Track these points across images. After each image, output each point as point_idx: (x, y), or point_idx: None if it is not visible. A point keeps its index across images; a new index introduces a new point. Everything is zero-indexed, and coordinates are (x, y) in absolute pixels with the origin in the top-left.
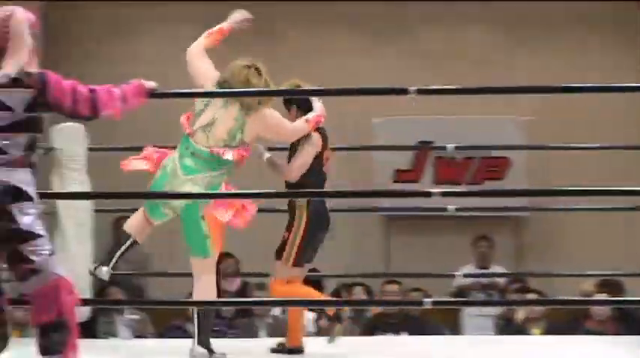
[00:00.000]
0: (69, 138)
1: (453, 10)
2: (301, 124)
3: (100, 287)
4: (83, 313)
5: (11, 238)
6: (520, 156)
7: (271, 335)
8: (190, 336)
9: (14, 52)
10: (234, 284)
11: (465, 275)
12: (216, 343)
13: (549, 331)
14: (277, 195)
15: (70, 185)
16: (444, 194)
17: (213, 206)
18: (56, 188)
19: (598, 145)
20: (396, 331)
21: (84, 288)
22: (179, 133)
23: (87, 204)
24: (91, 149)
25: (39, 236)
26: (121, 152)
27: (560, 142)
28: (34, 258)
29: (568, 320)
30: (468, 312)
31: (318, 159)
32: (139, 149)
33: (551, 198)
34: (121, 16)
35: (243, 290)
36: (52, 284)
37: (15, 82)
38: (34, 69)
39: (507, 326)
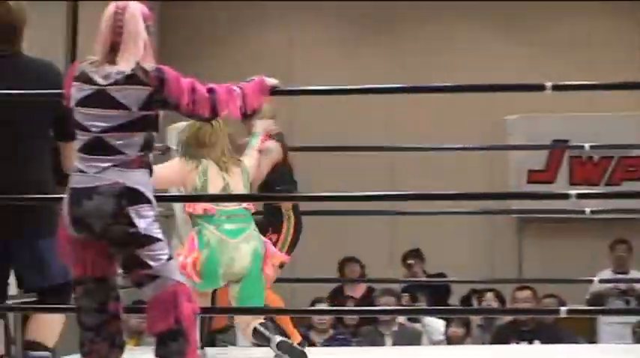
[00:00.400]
0: None
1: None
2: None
3: None
4: None
5: (128, 242)
6: None
7: (396, 343)
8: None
9: (128, 47)
10: (359, 290)
11: (601, 281)
12: (340, 351)
13: None
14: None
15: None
16: (581, 196)
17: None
18: (173, 190)
19: None
20: (529, 339)
21: None
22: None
23: None
24: None
25: (157, 240)
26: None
27: None
28: (151, 263)
29: None
30: (604, 320)
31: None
32: None
33: None
34: (235, 16)
35: (367, 297)
36: (171, 290)
37: (130, 79)
38: (150, 65)
39: None
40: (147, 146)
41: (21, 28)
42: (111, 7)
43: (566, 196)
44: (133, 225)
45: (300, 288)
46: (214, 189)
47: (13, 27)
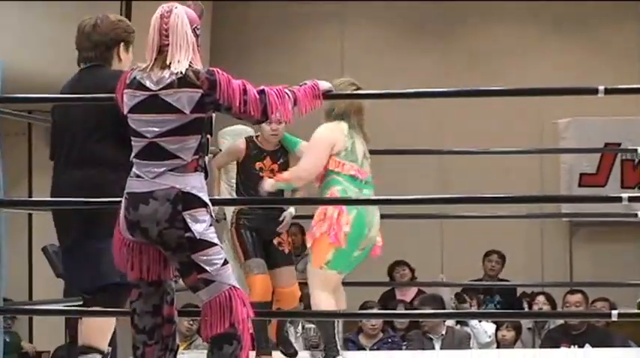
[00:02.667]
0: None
1: None
2: None
3: None
4: None
5: (184, 247)
6: None
7: (445, 347)
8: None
9: (176, 51)
10: (410, 293)
11: None
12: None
13: None
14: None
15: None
16: (632, 199)
17: None
18: (224, 194)
19: None
20: (580, 343)
21: None
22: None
23: None
24: None
25: (213, 244)
26: None
27: None
28: (207, 267)
29: None
30: None
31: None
32: None
33: None
34: (288, 16)
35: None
36: (226, 294)
37: (181, 82)
38: (200, 67)
39: None
40: (201, 149)
41: (115, 42)
42: (157, 12)
43: (617, 199)
44: (188, 229)
45: (350, 292)
46: (359, 152)
47: (104, 41)
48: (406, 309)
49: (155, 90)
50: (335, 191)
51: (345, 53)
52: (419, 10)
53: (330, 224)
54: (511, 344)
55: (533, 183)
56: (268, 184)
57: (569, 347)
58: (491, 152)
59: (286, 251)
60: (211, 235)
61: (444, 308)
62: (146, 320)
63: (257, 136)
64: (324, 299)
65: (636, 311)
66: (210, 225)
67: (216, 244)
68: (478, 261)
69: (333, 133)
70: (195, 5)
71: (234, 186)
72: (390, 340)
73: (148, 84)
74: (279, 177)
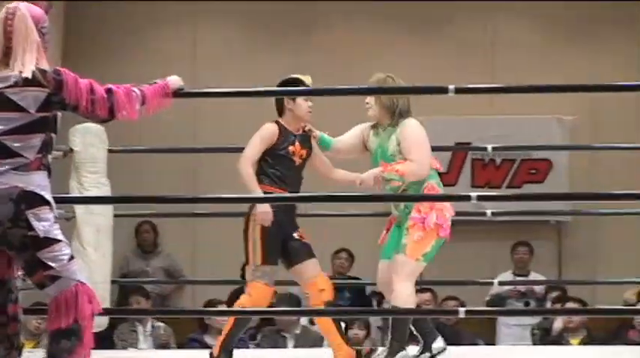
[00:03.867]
0: (88, 140)
1: (493, 6)
2: None
3: (124, 295)
4: (101, 322)
5: (28, 245)
6: (562, 157)
7: (298, 345)
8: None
9: (20, 51)
10: None
11: (501, 283)
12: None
13: (589, 342)
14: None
15: (89, 189)
16: (482, 198)
17: None
18: (74, 192)
19: None
20: None
21: (103, 297)
22: (204, 133)
23: (107, 209)
24: (111, 151)
25: (57, 241)
26: (144, 154)
27: (605, 143)
28: (52, 264)
29: (609, 330)
30: (504, 321)
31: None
32: (162, 151)
33: (594, 202)
34: (142, 14)
35: None
36: (72, 290)
37: (27, 81)
38: (46, 66)
39: (545, 337)
40: (45, 148)
41: None
42: (2, 13)
43: (467, 198)
44: (31, 228)
45: (199, 289)
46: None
47: None
48: None
49: (1, 89)
50: (434, 184)
51: (198, 53)
52: (273, 9)
53: (438, 215)
54: (361, 343)
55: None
56: (372, 175)
57: (418, 345)
58: None
59: (308, 243)
60: (56, 232)
61: (299, 307)
62: None
63: (277, 121)
64: (410, 292)
65: (484, 308)
66: (55, 223)
67: (61, 241)
68: (327, 259)
69: (423, 129)
70: (42, 2)
71: (84, 185)
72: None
73: None
74: (390, 168)
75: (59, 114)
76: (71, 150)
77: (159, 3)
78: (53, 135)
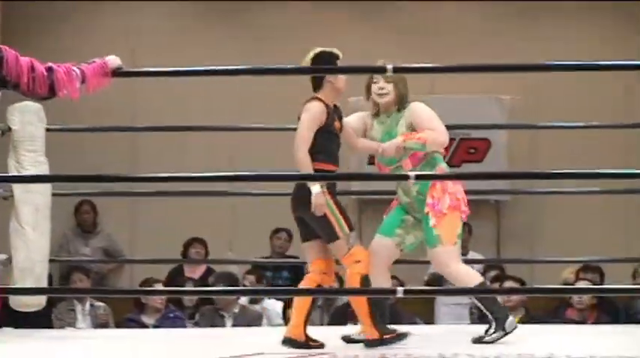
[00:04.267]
0: (26, 119)
1: None
2: None
3: (65, 274)
4: (39, 301)
5: None
6: (501, 137)
7: (236, 324)
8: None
9: None
10: (199, 271)
11: None
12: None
13: (528, 320)
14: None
15: (27, 168)
16: (420, 177)
17: None
18: (12, 171)
19: (581, 124)
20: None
21: (42, 275)
22: (146, 112)
23: (45, 188)
24: (49, 129)
25: None
26: (83, 133)
27: (543, 123)
28: None
29: (548, 309)
30: (442, 301)
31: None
32: (102, 130)
33: (533, 182)
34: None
35: (206, 278)
36: None
37: None
38: None
39: (484, 315)
40: None
41: None
42: None
43: (406, 177)
44: None
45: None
46: None
47: None
48: (195, 286)
49: None
50: (443, 167)
51: (133, 30)
52: None
53: (455, 198)
54: None
55: None
56: (393, 145)
57: (356, 323)
58: (280, 129)
59: None
60: None
61: (237, 286)
62: None
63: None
64: (466, 271)
65: (422, 287)
66: None
67: None
68: (266, 238)
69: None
70: None
71: (22, 163)
72: (171, 315)
73: None
74: (411, 136)
75: None
76: (9, 128)
77: None
78: None
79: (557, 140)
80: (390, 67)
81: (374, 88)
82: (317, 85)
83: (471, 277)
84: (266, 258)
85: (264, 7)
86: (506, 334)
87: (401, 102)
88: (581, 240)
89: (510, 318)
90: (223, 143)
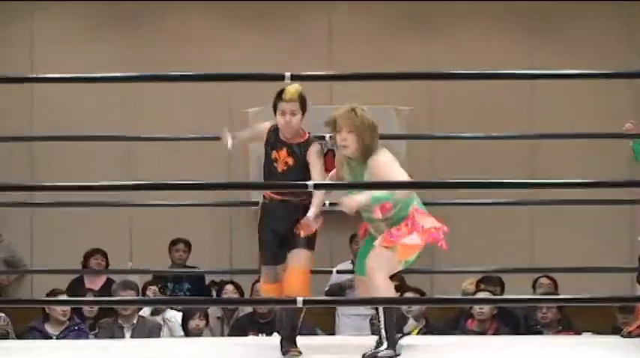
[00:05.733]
0: None
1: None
2: None
3: None
4: None
5: None
6: (400, 147)
7: (134, 335)
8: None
9: None
10: (99, 281)
11: (339, 272)
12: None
13: (428, 331)
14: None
15: None
16: (318, 186)
17: None
18: None
19: (481, 135)
20: (267, 331)
21: None
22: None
23: None
24: None
25: None
26: None
27: (442, 133)
28: None
29: (448, 319)
30: (343, 312)
31: None
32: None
33: (434, 192)
34: None
35: (106, 288)
36: None
37: None
38: None
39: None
40: None
41: None
42: None
43: (303, 186)
44: None
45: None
46: None
47: None
48: (95, 297)
49: None
50: (417, 207)
51: (35, 41)
52: None
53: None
54: (200, 333)
55: (220, 170)
56: (350, 204)
57: (257, 335)
58: (180, 139)
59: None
60: None
61: (139, 295)
62: None
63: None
64: (389, 287)
65: (324, 298)
66: None
67: None
68: (165, 250)
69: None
70: None
71: None
72: (76, 328)
73: None
74: (384, 240)
75: None
76: None
77: None
78: None
79: (457, 150)
80: (287, 74)
81: (337, 138)
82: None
83: (388, 293)
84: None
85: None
86: (396, 356)
87: (365, 154)
88: (483, 251)
89: (399, 345)
90: (119, 153)
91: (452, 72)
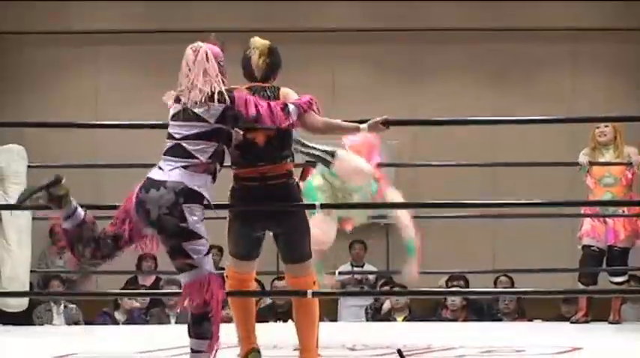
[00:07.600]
0: (12, 157)
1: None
2: None
3: (44, 281)
4: (22, 303)
5: (178, 234)
6: (389, 174)
7: (179, 322)
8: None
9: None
10: (149, 279)
11: (341, 273)
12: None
13: (411, 318)
14: None
15: (12, 197)
16: (325, 206)
17: None
18: (0, 200)
19: (453, 163)
20: (284, 319)
21: (24, 283)
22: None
23: (27, 214)
24: (30, 166)
25: (200, 236)
26: (57, 169)
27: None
28: (193, 255)
29: (427, 309)
30: (344, 303)
31: None
32: (72, 167)
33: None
34: (49, 58)
35: (155, 285)
36: (206, 278)
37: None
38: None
39: (376, 315)
40: (216, 155)
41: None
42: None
43: (313, 206)
44: (184, 220)
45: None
46: None
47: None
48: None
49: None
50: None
51: (100, 93)
52: None
53: None
54: (230, 320)
55: None
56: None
57: (276, 322)
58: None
59: None
60: (201, 228)
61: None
62: None
63: None
64: None
65: (329, 290)
66: (202, 221)
67: (203, 237)
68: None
69: None
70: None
71: (9, 194)
72: (136, 315)
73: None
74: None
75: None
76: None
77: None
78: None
79: (434, 177)
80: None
81: None
82: (272, 76)
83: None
84: None
85: None
86: None
87: None
88: (454, 255)
89: None
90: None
91: (431, 119)
